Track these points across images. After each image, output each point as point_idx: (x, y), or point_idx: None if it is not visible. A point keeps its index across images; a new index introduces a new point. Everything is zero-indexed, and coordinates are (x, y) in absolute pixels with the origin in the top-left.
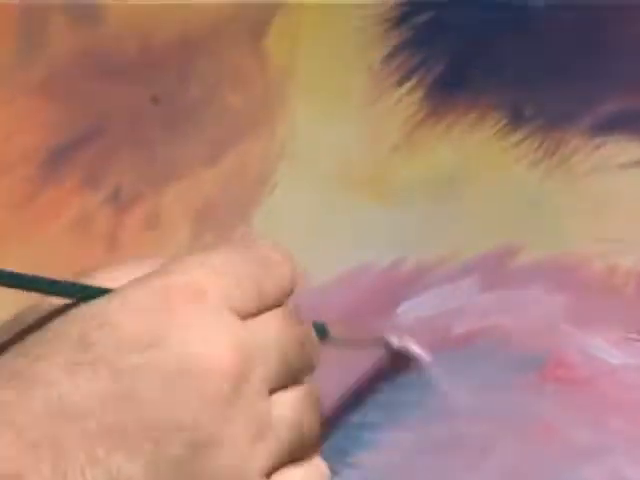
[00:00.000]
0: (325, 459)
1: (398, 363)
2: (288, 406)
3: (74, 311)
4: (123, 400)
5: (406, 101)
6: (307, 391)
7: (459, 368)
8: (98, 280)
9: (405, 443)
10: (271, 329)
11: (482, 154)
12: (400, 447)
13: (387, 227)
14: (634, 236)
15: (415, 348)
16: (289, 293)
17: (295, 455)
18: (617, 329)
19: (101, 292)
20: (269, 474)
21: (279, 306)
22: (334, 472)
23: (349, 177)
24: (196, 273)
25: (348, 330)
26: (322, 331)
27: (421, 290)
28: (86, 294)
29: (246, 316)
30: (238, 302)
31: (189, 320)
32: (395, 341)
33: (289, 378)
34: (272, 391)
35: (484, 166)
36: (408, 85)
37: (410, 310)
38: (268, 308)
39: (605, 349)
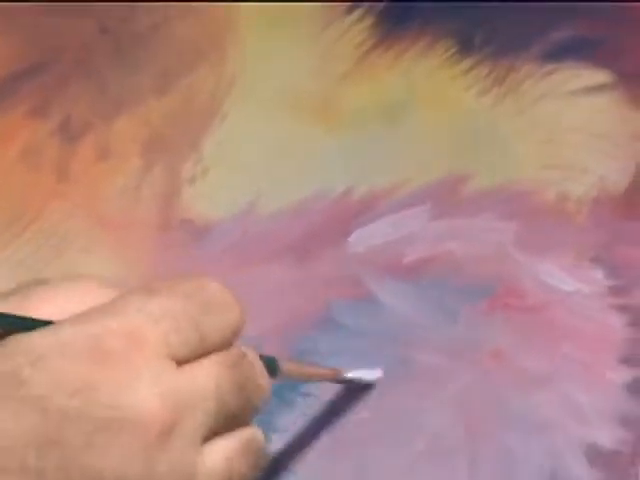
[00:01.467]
0: (278, 388)
1: (353, 392)
2: (220, 457)
3: (8, 342)
4: (47, 444)
5: (356, 29)
6: (246, 438)
7: (410, 296)
8: (34, 299)
9: None
10: (210, 375)
11: (432, 82)
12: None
13: (339, 155)
14: (585, 163)
15: (367, 376)
16: (233, 337)
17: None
18: (568, 256)
19: (38, 323)
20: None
21: (222, 350)
22: (287, 402)
23: (300, 105)
24: (135, 319)
25: (299, 364)
26: (272, 366)
27: (373, 218)
28: (22, 325)
29: (185, 362)
30: (177, 349)
31: (121, 368)
32: (347, 373)
33: (228, 423)
34: (208, 437)
35: (434, 94)
36: (358, 13)
37: (362, 238)
38: (209, 353)
39: (557, 276)
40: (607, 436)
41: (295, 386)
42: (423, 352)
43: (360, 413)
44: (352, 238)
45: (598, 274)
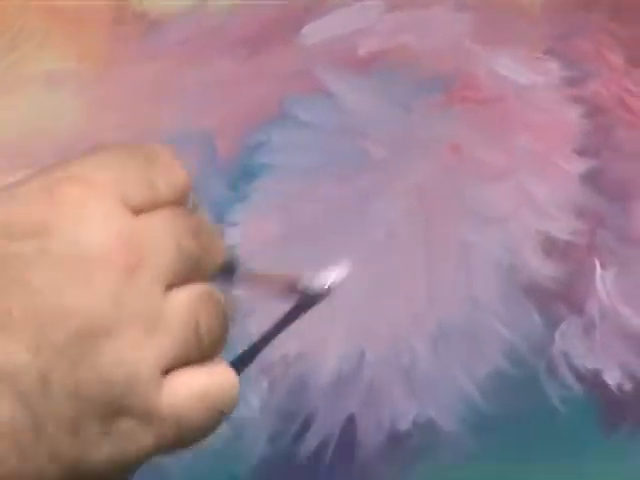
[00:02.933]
0: (230, 183)
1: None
2: (184, 303)
3: None
4: (10, 285)
5: None
6: (206, 291)
7: (365, 88)
8: None
9: (309, 166)
10: (166, 221)
11: None
12: (303, 170)
13: None
14: None
15: (332, 277)
16: (183, 196)
17: (193, 357)
18: (524, 48)
19: None
20: (165, 372)
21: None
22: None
23: None
24: (81, 168)
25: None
26: (232, 264)
27: (326, 11)
28: None
29: (137, 210)
30: (127, 194)
31: (77, 209)
32: (310, 279)
33: (186, 273)
34: (169, 287)
35: None
36: None
37: (315, 31)
38: (161, 205)
39: (512, 68)
40: (563, 227)
41: (248, 180)
42: (379, 145)
43: (317, 203)
44: (305, 31)
45: (553, 66)
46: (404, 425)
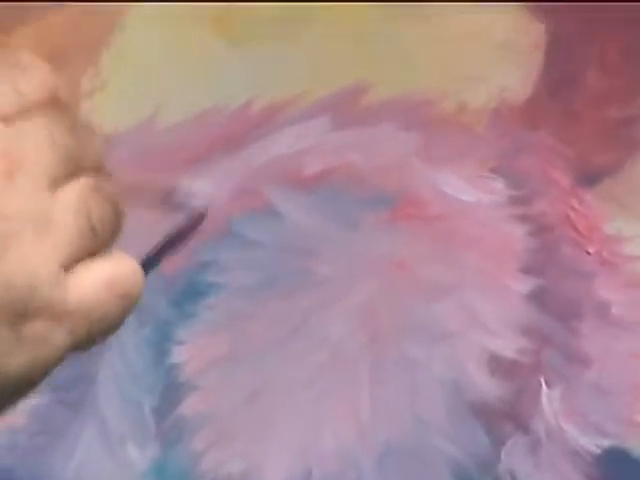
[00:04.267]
0: (179, 300)
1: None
2: (71, 197)
3: None
4: None
5: None
6: (92, 183)
7: (311, 207)
8: None
9: (256, 285)
10: (36, 124)
11: None
12: (250, 289)
13: (238, 67)
14: (486, 73)
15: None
16: (51, 95)
17: (91, 248)
18: (469, 167)
19: None
20: (66, 268)
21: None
22: (188, 314)
23: (198, 16)
24: None
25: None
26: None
27: (272, 130)
28: None
29: (7, 119)
30: None
31: None
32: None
33: (67, 170)
34: (53, 186)
35: (332, 4)
36: None
37: (262, 150)
38: (30, 109)
39: (457, 186)
40: (509, 346)
41: (195, 299)
42: (325, 263)
43: (263, 322)
44: (252, 150)
45: (499, 184)
46: None
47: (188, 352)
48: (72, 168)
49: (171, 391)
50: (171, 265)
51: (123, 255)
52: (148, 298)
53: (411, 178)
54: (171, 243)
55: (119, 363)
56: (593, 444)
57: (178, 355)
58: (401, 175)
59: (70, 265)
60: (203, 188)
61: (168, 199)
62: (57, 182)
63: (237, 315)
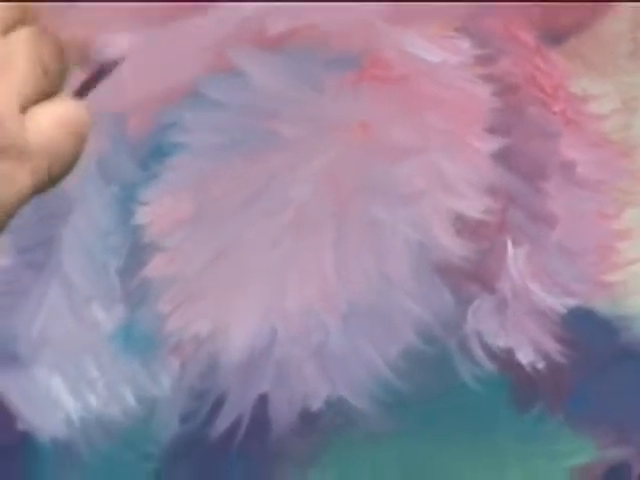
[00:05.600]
0: (142, 162)
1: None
2: (24, 40)
3: None
4: None
5: None
6: (40, 28)
7: (275, 68)
8: None
9: (220, 146)
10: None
11: None
12: (214, 149)
13: None
14: None
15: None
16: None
17: (44, 89)
18: (434, 26)
19: None
20: (23, 110)
21: None
22: (153, 173)
23: None
24: None
25: None
26: None
27: None
28: None
29: None
30: None
31: None
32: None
33: (15, 17)
34: (5, 30)
35: None
36: None
37: (226, 11)
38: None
39: (422, 47)
40: (474, 206)
41: (160, 159)
42: (289, 124)
43: (228, 182)
44: (216, 11)
45: (464, 44)
46: (316, 404)
47: (152, 213)
48: (19, 14)
49: (136, 252)
50: (135, 127)
51: (69, 97)
52: (113, 158)
53: (376, 39)
54: (81, 90)
55: (84, 224)
56: (559, 304)
57: (143, 216)
58: (366, 36)
59: (27, 107)
60: (120, 41)
61: (86, 54)
62: (8, 28)
63: (201, 175)
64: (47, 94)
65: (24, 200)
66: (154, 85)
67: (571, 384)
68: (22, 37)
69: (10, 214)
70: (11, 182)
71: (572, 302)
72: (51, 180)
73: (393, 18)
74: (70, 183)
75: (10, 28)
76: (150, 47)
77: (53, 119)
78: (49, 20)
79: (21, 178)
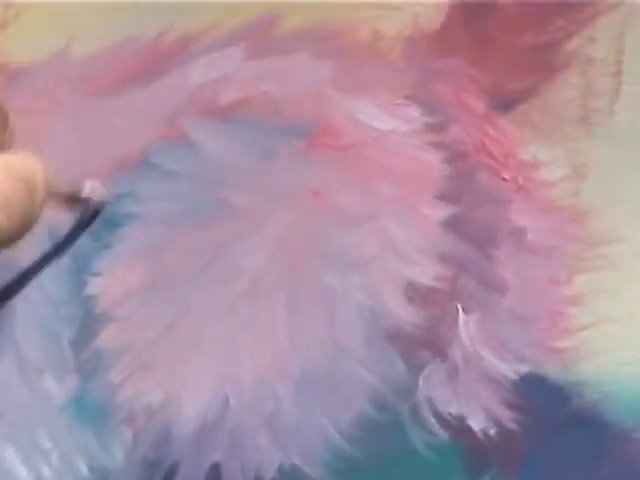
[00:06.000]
0: (95, 232)
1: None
2: None
3: None
4: None
5: None
6: None
7: (226, 137)
8: None
9: (172, 216)
10: None
11: None
12: (166, 219)
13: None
14: (399, 0)
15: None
16: None
17: None
18: (385, 94)
19: None
20: None
21: None
22: (105, 244)
23: None
24: None
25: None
26: None
27: (186, 60)
28: None
29: None
30: None
31: None
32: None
33: None
34: None
35: None
36: None
37: (176, 80)
38: None
39: (372, 114)
40: (426, 273)
41: (112, 230)
42: (241, 193)
43: (179, 252)
44: (166, 80)
45: (414, 112)
46: (269, 473)
47: (104, 283)
48: None
49: (89, 322)
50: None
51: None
52: (66, 229)
53: (326, 107)
54: (73, 234)
55: (37, 295)
56: (511, 370)
57: (95, 286)
58: (316, 104)
59: None
60: (98, 187)
61: (73, 198)
62: None
63: (153, 245)
64: None
65: None
66: (106, 155)
67: (523, 450)
68: None
69: None
70: None
71: (524, 368)
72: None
73: (343, 86)
74: (21, 253)
75: None
76: (99, 116)
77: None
78: None
79: None
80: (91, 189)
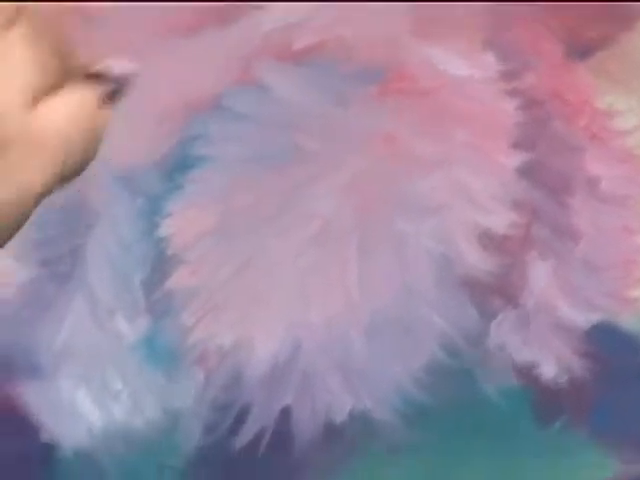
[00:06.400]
0: (168, 175)
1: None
2: (20, 37)
3: None
4: None
5: None
6: (38, 26)
7: (300, 81)
8: None
9: (244, 158)
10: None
11: None
12: (238, 162)
13: None
14: None
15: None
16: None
17: (47, 83)
18: (460, 41)
19: None
20: (34, 101)
21: None
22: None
23: None
24: None
25: None
26: None
27: (262, 4)
28: None
29: None
30: None
31: None
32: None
33: (11, 15)
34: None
35: None
36: None
37: (251, 24)
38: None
39: (448, 60)
40: (499, 220)
41: (185, 172)
42: (313, 138)
43: (251, 195)
44: (241, 24)
45: (490, 58)
46: (340, 417)
47: (176, 225)
48: (16, 14)
49: (160, 264)
50: (163, 139)
51: (85, 88)
52: (140, 172)
53: (401, 52)
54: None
55: (110, 236)
56: (583, 318)
57: (166, 228)
58: (391, 49)
59: (31, 102)
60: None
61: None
62: (4, 27)
63: (225, 188)
64: (52, 88)
65: (37, 198)
66: (178, 96)
67: (594, 399)
68: (20, 34)
69: (23, 212)
70: (19, 178)
71: (596, 317)
72: (69, 172)
73: (419, 32)
74: (95, 195)
75: (6, 27)
76: (174, 58)
77: (64, 112)
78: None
79: (29, 174)
80: (118, 67)
